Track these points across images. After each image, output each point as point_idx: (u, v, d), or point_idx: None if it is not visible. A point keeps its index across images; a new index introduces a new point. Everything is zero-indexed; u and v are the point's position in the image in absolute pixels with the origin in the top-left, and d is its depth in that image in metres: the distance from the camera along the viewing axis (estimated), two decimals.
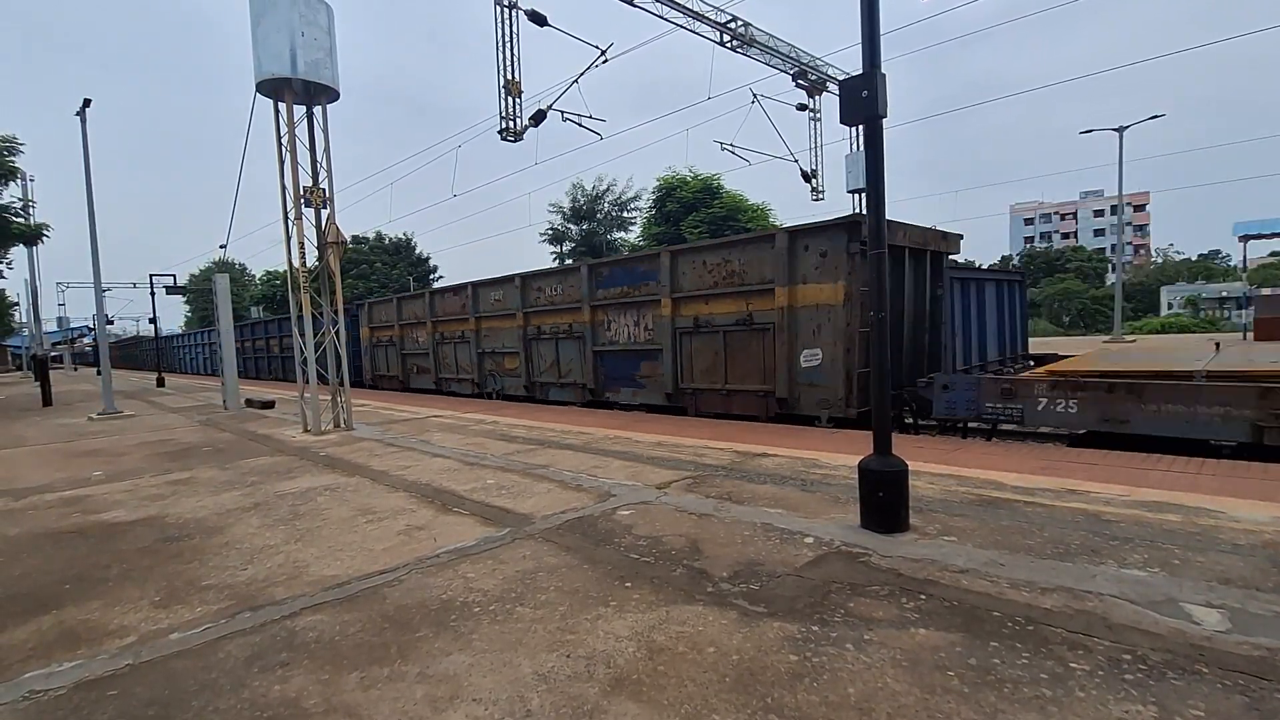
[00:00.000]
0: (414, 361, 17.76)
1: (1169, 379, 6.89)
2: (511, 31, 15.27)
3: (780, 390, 9.39)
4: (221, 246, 25.36)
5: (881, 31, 3.97)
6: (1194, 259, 69.86)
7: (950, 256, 10.86)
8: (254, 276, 65.84)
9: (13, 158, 17.50)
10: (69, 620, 3.29)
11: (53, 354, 42.54)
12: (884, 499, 4.00)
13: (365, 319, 19.79)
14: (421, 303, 17.09)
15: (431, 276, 51.74)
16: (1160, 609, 2.85)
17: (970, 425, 8.61)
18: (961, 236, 11.62)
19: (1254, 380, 6.47)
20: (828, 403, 9.00)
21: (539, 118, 16.32)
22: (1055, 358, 10.73)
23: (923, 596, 3.08)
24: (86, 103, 13.55)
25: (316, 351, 9.83)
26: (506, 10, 15.19)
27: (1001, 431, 8.93)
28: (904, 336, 9.52)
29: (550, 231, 42.04)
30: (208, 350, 35.49)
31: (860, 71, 3.97)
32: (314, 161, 9.70)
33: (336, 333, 10.12)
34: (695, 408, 10.71)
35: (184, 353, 41.28)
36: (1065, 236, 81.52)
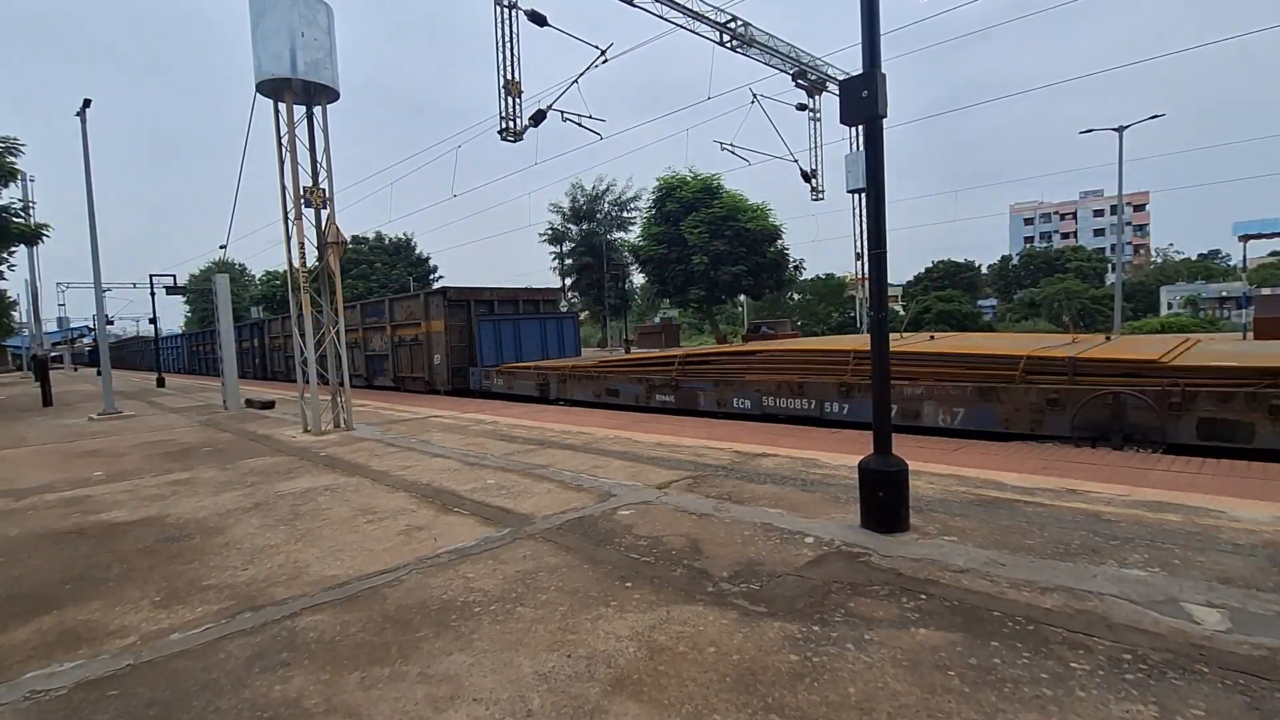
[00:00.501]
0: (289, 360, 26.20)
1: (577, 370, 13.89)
2: (511, 31, 15.27)
3: (428, 377, 17.65)
4: (221, 247, 25.36)
5: (881, 31, 3.97)
6: (1194, 259, 69.87)
7: (549, 301, 20.61)
8: (254, 276, 65.83)
9: (13, 159, 17.48)
10: (70, 620, 3.29)
11: (53, 354, 42.56)
12: (884, 499, 4.00)
13: (266, 331, 29.57)
14: (287, 322, 24.75)
15: (431, 277, 51.70)
16: (1160, 609, 2.85)
17: (486, 389, 16.54)
18: (562, 288, 24.11)
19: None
20: (442, 382, 17.08)
21: (539, 118, 16.33)
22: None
23: (923, 596, 3.08)
24: (87, 103, 13.55)
25: (317, 351, 9.83)
26: (506, 10, 15.19)
27: (493, 394, 16.19)
28: (467, 345, 17.53)
29: (550, 231, 41.99)
30: (174, 352, 43.87)
31: (860, 71, 3.97)
32: (314, 161, 9.70)
33: (337, 333, 10.12)
34: (404, 388, 18.69)
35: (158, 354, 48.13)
36: (1065, 236, 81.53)
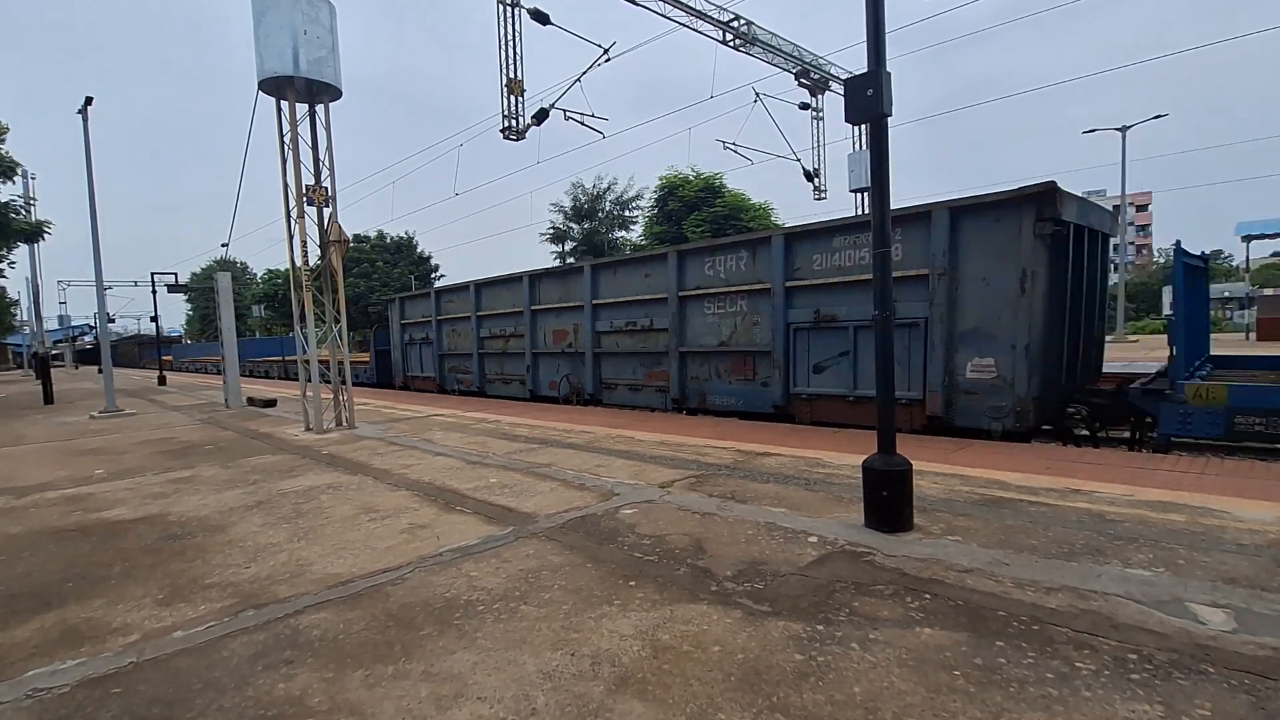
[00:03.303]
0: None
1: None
2: (514, 30, 15.26)
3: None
4: (223, 245, 25.39)
5: (886, 30, 3.96)
6: None
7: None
8: (255, 275, 65.90)
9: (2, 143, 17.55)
10: (72, 618, 3.28)
11: (54, 352, 42.61)
12: (887, 498, 4.00)
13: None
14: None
15: (433, 276, 51.71)
16: (1166, 609, 2.84)
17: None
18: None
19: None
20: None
21: (542, 116, 16.30)
22: None
23: (927, 596, 3.07)
24: (88, 101, 13.54)
25: (321, 345, 9.83)
26: (509, 9, 15.17)
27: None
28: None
29: (551, 231, 42.01)
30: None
31: (864, 70, 3.96)
32: (316, 160, 9.69)
33: (339, 331, 10.12)
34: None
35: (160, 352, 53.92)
36: None
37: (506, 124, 15.83)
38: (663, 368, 10.97)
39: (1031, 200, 6.88)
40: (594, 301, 12.13)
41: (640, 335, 11.33)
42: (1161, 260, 71.57)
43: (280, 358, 28.69)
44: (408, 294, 18.96)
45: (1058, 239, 7.17)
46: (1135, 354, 17.65)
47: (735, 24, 18.67)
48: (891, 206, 4.04)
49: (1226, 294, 46.57)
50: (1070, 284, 7.70)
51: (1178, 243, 7.30)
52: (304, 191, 9.49)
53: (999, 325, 7.22)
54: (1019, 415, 7.13)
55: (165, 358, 37.31)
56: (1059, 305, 7.60)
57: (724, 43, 18.94)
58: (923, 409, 7.77)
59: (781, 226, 25.60)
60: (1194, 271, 8.29)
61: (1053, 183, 6.82)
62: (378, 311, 46.42)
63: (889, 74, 3.90)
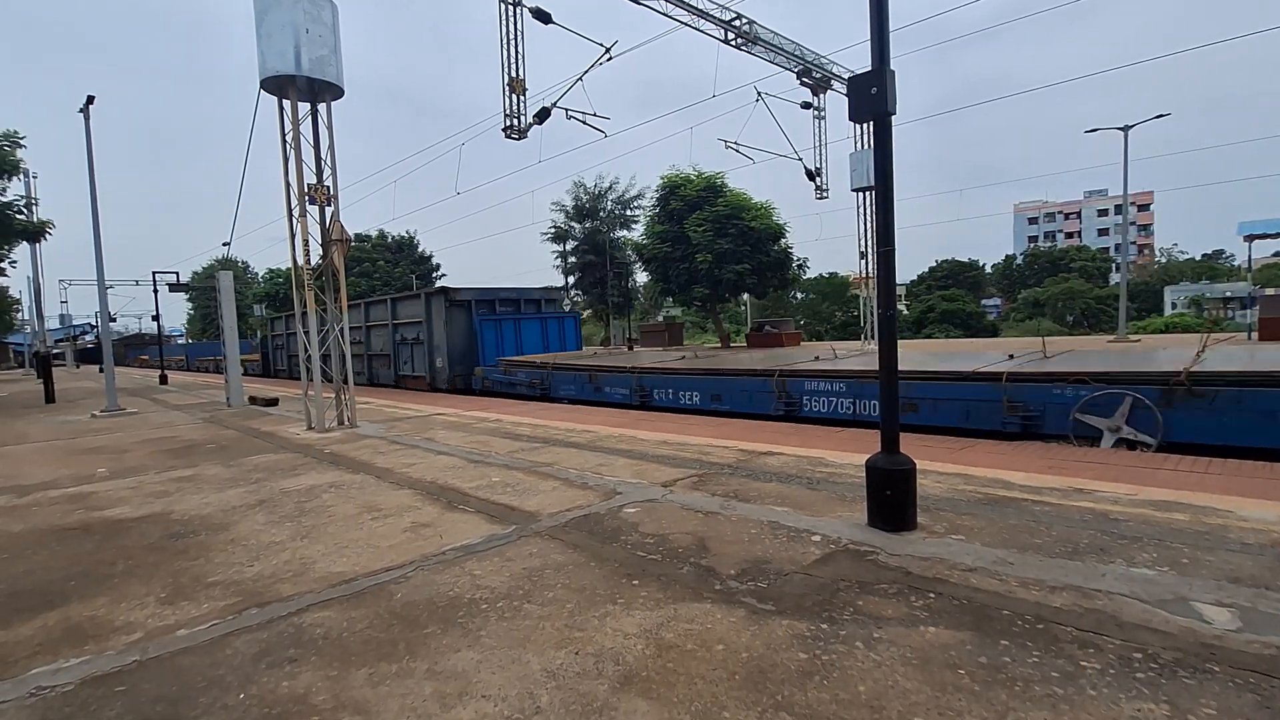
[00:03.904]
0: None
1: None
2: (516, 29, 15.25)
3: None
4: (225, 244, 25.45)
5: (889, 28, 3.95)
6: (1198, 259, 69.65)
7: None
8: (257, 274, 65.95)
9: (14, 152, 17.56)
10: (75, 616, 3.29)
11: (55, 351, 42.67)
12: (891, 497, 3.99)
13: None
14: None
15: (434, 275, 51.74)
16: (1170, 608, 2.83)
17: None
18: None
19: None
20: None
21: (543, 115, 16.28)
22: None
23: (932, 595, 3.07)
24: (90, 100, 13.54)
25: (322, 348, 9.83)
26: (511, 8, 15.16)
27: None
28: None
29: (553, 230, 41.96)
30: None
31: (867, 69, 3.96)
32: (318, 159, 9.70)
33: (341, 330, 10.12)
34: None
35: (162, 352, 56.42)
36: (1069, 236, 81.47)
37: (508, 123, 15.81)
38: (362, 364, 20.57)
39: (444, 290, 17.09)
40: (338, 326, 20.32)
41: (357, 345, 20.15)
42: (1163, 260, 71.56)
43: (215, 358, 35.42)
44: (275, 315, 30.23)
45: (464, 306, 17.18)
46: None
47: (737, 23, 18.63)
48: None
49: (1228, 294, 46.52)
50: (470, 324, 17.22)
51: (481, 306, 17.49)
52: (306, 190, 9.50)
53: (443, 343, 16.81)
54: (451, 381, 16.67)
55: (142, 357, 46.06)
56: (466, 334, 17.19)
57: (726, 42, 18.91)
58: (426, 380, 17.48)
59: (780, 227, 25.69)
60: (513, 319, 18.13)
61: (446, 287, 17.24)
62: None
63: (893, 72, 3.89)
